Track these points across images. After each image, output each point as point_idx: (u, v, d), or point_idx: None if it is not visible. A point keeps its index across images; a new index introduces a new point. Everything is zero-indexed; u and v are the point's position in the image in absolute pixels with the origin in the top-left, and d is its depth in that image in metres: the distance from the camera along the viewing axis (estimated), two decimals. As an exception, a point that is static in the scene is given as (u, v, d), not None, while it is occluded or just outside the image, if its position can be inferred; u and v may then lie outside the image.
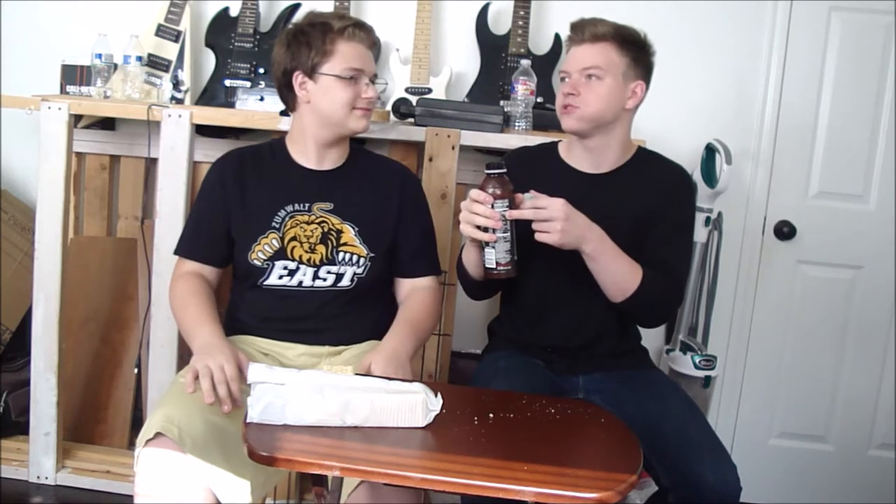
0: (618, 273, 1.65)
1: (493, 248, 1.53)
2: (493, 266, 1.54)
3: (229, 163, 1.82)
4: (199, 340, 1.61)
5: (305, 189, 1.78)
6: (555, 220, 1.52)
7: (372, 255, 1.78)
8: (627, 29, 1.74)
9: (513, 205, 1.52)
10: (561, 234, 1.53)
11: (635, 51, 1.73)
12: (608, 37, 1.71)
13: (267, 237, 1.75)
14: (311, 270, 1.76)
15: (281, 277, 1.75)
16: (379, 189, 1.83)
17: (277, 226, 1.75)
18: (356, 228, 1.78)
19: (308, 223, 1.76)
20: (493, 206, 1.50)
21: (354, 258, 1.77)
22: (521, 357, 1.80)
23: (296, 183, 1.79)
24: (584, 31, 1.72)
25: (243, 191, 1.78)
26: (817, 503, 2.60)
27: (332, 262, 1.76)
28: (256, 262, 1.74)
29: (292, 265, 1.75)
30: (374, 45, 1.80)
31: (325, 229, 1.77)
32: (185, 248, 1.82)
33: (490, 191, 1.51)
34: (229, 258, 1.81)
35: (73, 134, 2.23)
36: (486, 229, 1.51)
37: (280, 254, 1.75)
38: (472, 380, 1.84)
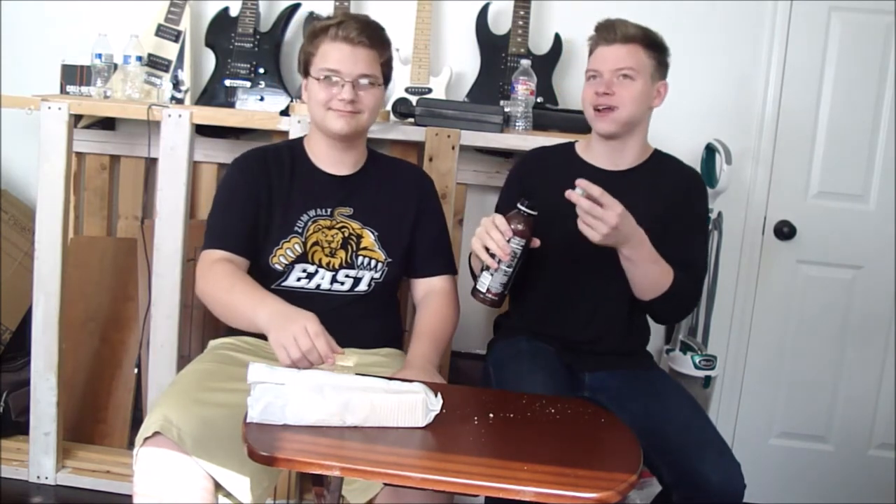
0: (651, 275, 1.68)
1: (492, 275, 1.55)
2: (484, 291, 1.56)
3: (253, 160, 1.78)
4: (266, 311, 1.47)
5: (327, 194, 1.78)
6: (605, 222, 1.52)
7: (390, 260, 1.78)
8: (651, 31, 1.79)
9: (529, 246, 1.54)
10: (603, 237, 1.54)
11: (659, 52, 1.79)
12: (637, 39, 1.75)
13: (289, 241, 1.74)
14: (329, 274, 1.76)
15: (299, 280, 1.75)
16: (397, 194, 1.83)
17: (300, 230, 1.74)
18: (376, 233, 1.78)
19: (330, 228, 1.76)
20: (509, 241, 1.51)
21: (373, 263, 1.77)
22: (537, 342, 1.83)
23: (317, 187, 1.78)
24: (616, 31, 1.75)
25: (269, 191, 1.75)
26: (817, 503, 2.60)
27: (350, 267, 1.76)
28: (278, 266, 1.74)
29: (311, 268, 1.75)
30: (365, 44, 1.69)
31: (346, 234, 1.76)
32: (215, 240, 1.71)
33: (513, 225, 1.52)
34: (256, 251, 1.75)
35: (73, 134, 2.23)
36: (492, 255, 1.53)
37: (301, 258, 1.74)
38: (493, 362, 1.85)
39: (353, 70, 1.69)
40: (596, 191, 1.52)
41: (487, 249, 1.52)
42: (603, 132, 1.79)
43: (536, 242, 1.55)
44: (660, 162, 1.87)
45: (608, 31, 1.76)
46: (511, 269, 1.54)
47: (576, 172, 1.83)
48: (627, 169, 1.84)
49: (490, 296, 1.56)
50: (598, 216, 1.52)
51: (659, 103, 1.82)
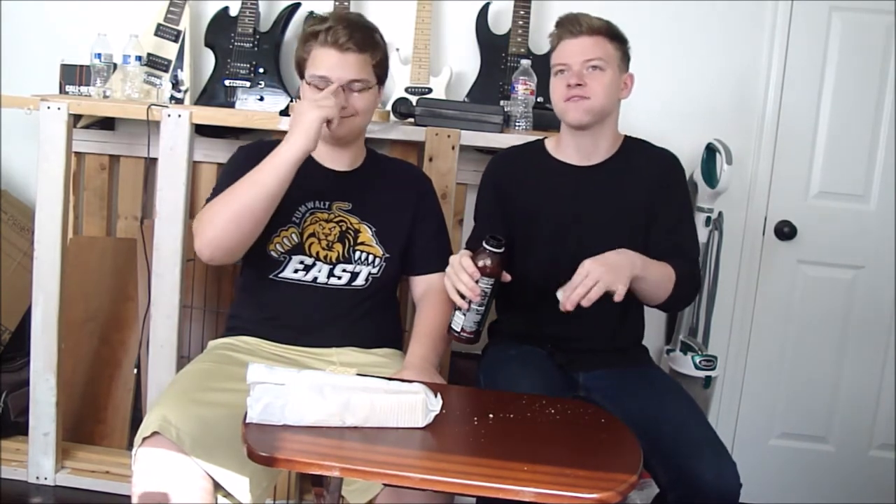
0: (659, 281, 1.68)
1: (464, 315, 1.55)
2: (458, 330, 1.57)
3: (257, 149, 1.79)
4: (280, 146, 1.62)
5: (326, 188, 1.79)
6: (592, 277, 1.52)
7: (387, 255, 1.79)
8: (611, 23, 1.78)
9: (499, 283, 1.54)
10: (613, 279, 1.53)
11: (623, 44, 1.79)
12: (603, 30, 1.75)
13: (287, 230, 1.75)
14: (326, 268, 1.76)
15: (296, 272, 1.75)
16: (395, 191, 1.84)
17: (297, 221, 1.75)
18: (373, 229, 1.78)
19: (327, 221, 1.77)
20: (477, 282, 1.52)
21: (370, 258, 1.78)
22: (528, 346, 1.82)
23: (316, 181, 1.78)
24: (581, 23, 1.74)
25: None
26: (817, 503, 2.59)
27: (348, 261, 1.76)
28: (274, 252, 1.74)
29: (309, 261, 1.75)
30: (354, 50, 1.68)
31: (343, 228, 1.77)
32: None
33: (481, 263, 1.52)
34: None
35: (72, 134, 2.23)
36: (463, 296, 1.53)
37: (298, 248, 1.75)
38: (483, 369, 1.84)
39: (343, 76, 1.69)
40: (567, 292, 1.54)
41: (459, 290, 1.53)
42: (575, 122, 1.76)
43: (507, 278, 1.55)
44: (632, 149, 1.86)
45: (573, 24, 1.75)
46: (483, 308, 1.55)
47: (549, 170, 1.84)
48: (600, 162, 1.82)
49: (465, 334, 1.57)
50: (584, 285, 1.52)
51: (626, 95, 1.81)
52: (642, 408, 1.67)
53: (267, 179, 1.60)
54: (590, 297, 1.52)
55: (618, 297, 1.54)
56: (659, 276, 1.68)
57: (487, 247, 1.53)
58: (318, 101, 1.62)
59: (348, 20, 1.71)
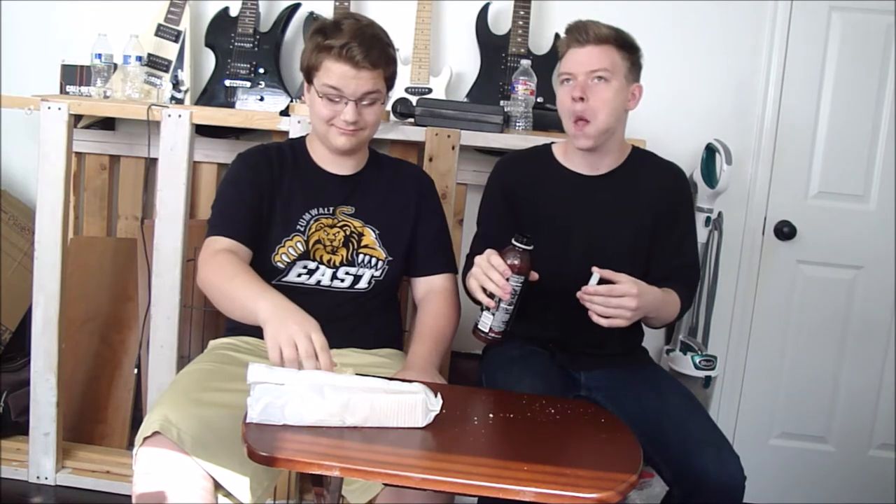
0: (667, 313, 1.74)
1: (493, 314, 1.53)
2: (486, 331, 1.55)
3: (258, 156, 1.78)
4: (267, 304, 1.41)
5: (329, 193, 1.78)
6: (626, 308, 1.55)
7: (390, 258, 1.79)
8: (623, 31, 1.75)
9: (528, 282, 1.53)
10: (629, 320, 1.57)
11: (633, 53, 1.75)
12: (611, 39, 1.71)
13: (292, 240, 1.74)
14: (329, 271, 1.76)
15: (300, 276, 1.75)
16: (398, 193, 1.83)
17: (302, 229, 1.75)
18: (377, 231, 1.78)
19: (332, 227, 1.76)
20: (508, 279, 1.50)
21: (373, 261, 1.78)
22: (530, 347, 1.82)
23: (319, 186, 1.78)
24: (588, 32, 1.70)
25: (272, 188, 1.75)
26: (817, 503, 2.59)
27: (351, 264, 1.77)
28: (280, 264, 1.74)
29: (312, 265, 1.75)
30: (368, 68, 1.65)
31: (348, 233, 1.77)
32: (220, 227, 1.69)
33: (510, 262, 1.51)
34: (259, 240, 1.73)
35: (72, 134, 2.23)
36: (492, 296, 1.52)
37: (304, 256, 1.75)
38: (484, 369, 1.85)
39: (357, 90, 1.67)
40: (608, 275, 1.55)
41: (485, 290, 1.51)
42: (582, 147, 1.75)
43: (535, 276, 1.54)
44: (639, 161, 1.85)
45: (580, 33, 1.71)
46: (512, 307, 1.53)
47: (556, 178, 1.83)
48: (607, 172, 1.81)
49: (493, 335, 1.55)
50: (615, 305, 1.54)
51: (634, 106, 1.77)
52: (644, 406, 1.68)
53: (239, 310, 1.52)
54: (609, 321, 1.56)
55: (616, 325, 1.58)
56: (667, 311, 1.73)
57: (517, 244, 1.52)
58: (302, 356, 1.33)
59: (363, 36, 1.66)
